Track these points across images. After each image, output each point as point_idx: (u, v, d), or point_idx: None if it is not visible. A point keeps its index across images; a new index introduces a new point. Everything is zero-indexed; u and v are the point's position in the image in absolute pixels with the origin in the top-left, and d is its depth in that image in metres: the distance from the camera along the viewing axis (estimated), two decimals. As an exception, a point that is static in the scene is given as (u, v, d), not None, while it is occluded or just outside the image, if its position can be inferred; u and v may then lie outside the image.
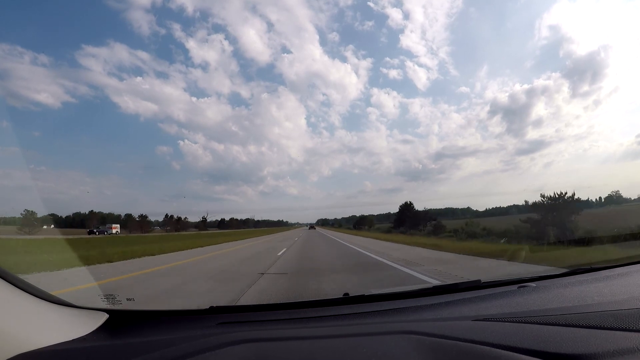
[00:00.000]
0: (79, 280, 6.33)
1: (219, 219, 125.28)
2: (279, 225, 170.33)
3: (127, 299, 2.23)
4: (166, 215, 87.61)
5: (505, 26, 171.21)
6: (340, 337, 1.10)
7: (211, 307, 1.45)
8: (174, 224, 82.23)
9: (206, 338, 1.10)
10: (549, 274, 1.96)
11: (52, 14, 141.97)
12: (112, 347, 1.08)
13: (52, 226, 56.63)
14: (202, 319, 1.39)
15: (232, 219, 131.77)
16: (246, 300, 4.45)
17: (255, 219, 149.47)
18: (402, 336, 1.04)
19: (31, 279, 5.96)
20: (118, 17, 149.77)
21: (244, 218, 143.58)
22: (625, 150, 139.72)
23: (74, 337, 1.08)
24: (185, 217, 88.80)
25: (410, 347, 0.95)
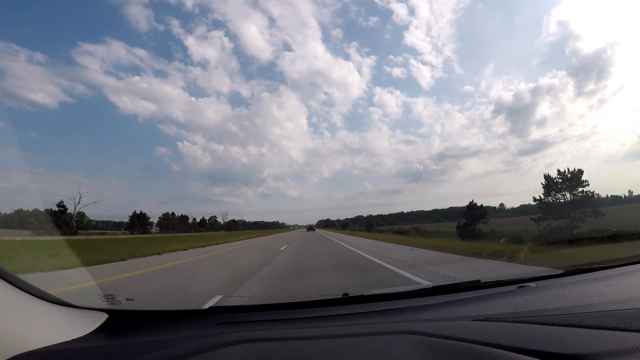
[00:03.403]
0: None
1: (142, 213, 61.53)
2: (272, 227, 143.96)
3: (127, 299, 2.23)
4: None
5: (512, 22, 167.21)
6: (340, 337, 1.10)
7: (211, 307, 1.45)
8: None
9: (206, 338, 1.10)
10: (548, 274, 1.95)
11: (47, 10, 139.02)
12: (112, 347, 1.09)
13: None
14: (201, 319, 1.39)
15: (169, 217, 69.74)
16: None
17: (229, 219, 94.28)
18: (401, 336, 1.04)
19: None
20: (116, 13, 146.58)
21: (208, 217, 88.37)
22: (627, 151, 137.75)
23: (74, 337, 1.08)
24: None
25: (409, 347, 0.95)
